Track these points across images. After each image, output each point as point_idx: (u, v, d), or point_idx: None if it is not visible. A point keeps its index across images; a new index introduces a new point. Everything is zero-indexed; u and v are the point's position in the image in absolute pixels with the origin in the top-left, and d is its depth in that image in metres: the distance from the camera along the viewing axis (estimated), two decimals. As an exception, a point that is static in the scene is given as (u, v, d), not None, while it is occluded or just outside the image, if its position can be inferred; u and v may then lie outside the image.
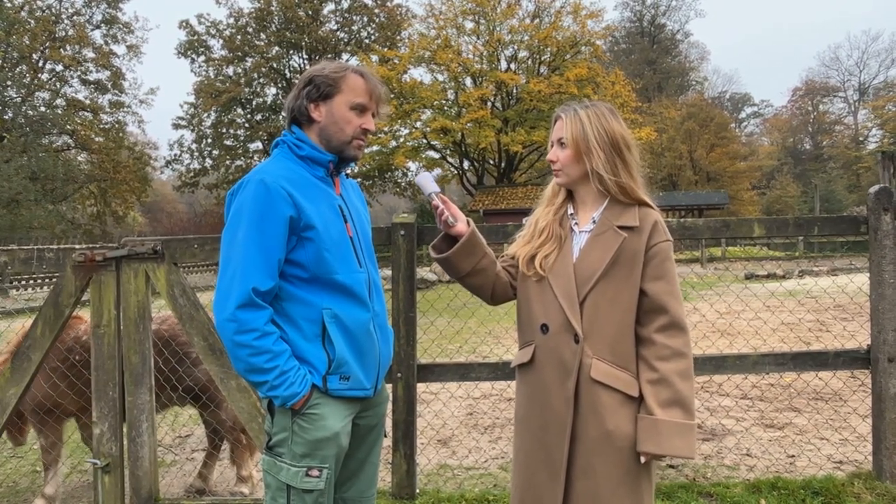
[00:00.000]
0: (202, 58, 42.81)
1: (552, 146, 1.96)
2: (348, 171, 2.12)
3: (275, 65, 41.98)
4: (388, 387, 3.24)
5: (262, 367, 1.78)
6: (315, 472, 1.84)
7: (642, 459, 1.79)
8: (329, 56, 41.58)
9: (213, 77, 42.22)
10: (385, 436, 2.17)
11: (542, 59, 36.42)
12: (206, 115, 42.27)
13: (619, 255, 1.83)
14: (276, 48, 41.88)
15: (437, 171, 38.46)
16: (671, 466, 3.96)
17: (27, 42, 33.10)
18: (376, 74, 2.05)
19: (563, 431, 1.82)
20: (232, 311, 1.78)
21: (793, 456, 4.17)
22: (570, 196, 2.00)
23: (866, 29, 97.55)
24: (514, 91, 35.53)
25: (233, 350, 1.80)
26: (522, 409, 1.96)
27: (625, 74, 38.40)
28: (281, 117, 42.24)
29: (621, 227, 1.85)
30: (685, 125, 47.39)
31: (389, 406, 3.39)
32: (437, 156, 37.99)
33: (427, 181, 2.00)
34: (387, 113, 2.10)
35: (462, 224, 1.96)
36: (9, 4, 32.30)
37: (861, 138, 56.58)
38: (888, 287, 3.32)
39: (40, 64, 35.04)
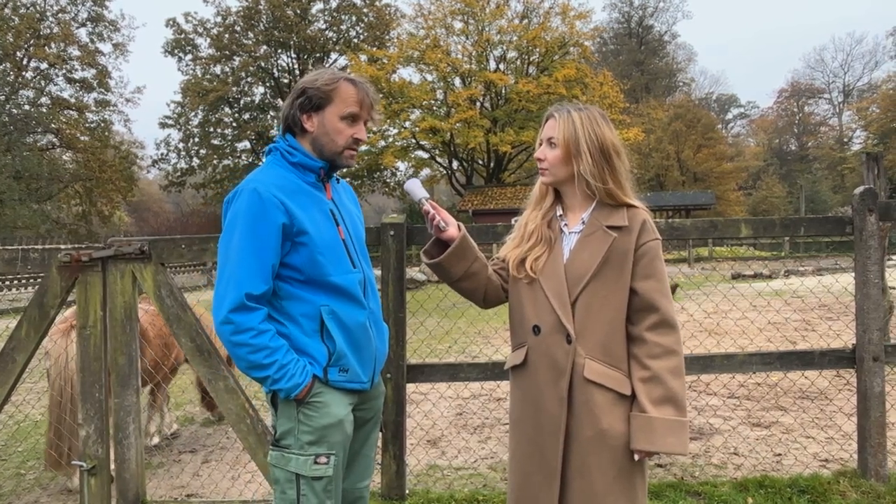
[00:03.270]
0: (189, 56, 42.49)
1: (541, 144, 1.95)
2: (339, 174, 2.15)
3: (263, 64, 41.76)
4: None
5: (261, 362, 1.85)
6: (323, 460, 1.90)
7: (636, 457, 1.80)
8: (317, 55, 41.45)
9: (200, 76, 41.90)
10: (382, 430, 2.22)
11: (531, 59, 36.50)
12: (193, 114, 41.96)
13: (609, 255, 1.84)
14: (265, 47, 41.64)
15: (426, 171, 38.46)
16: (659, 465, 3.98)
17: (11, 40, 32.64)
18: (366, 78, 2.08)
19: (557, 432, 1.83)
20: (226, 314, 1.85)
21: (779, 454, 4.21)
22: (559, 197, 2.00)
23: (850, 31, 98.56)
24: (503, 91, 35.57)
25: (232, 350, 1.87)
26: (517, 411, 1.96)
27: (613, 75, 38.57)
28: (269, 116, 42.01)
29: (610, 227, 1.86)
30: (672, 126, 47.67)
31: (379, 407, 3.39)
32: (426, 156, 37.98)
33: (416, 187, 2.03)
34: (380, 118, 2.16)
35: (453, 228, 1.97)
36: (-8, 1, 31.90)
37: (845, 139, 57.25)
38: (873, 287, 3.36)
39: (24, 62, 34.60)
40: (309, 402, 1.91)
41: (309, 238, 1.92)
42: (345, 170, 2.16)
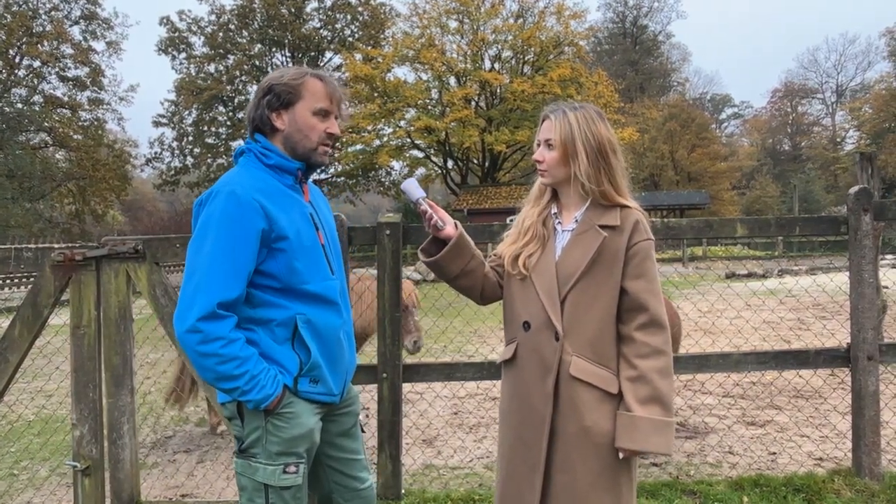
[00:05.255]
0: (183, 55, 42.32)
1: (538, 146, 1.97)
2: (321, 175, 2.10)
3: (257, 62, 41.63)
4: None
5: (231, 373, 1.77)
6: (292, 469, 1.86)
7: (620, 455, 1.81)
8: (312, 54, 41.36)
9: (194, 74, 41.75)
10: (363, 431, 2.21)
11: (526, 58, 36.49)
12: (187, 112, 41.81)
13: (599, 253, 1.85)
14: (259, 46, 41.52)
15: (421, 170, 38.40)
16: (654, 464, 3.98)
17: (3, 37, 32.43)
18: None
19: (542, 427, 1.85)
20: (193, 322, 1.75)
21: (774, 453, 4.22)
22: (555, 196, 2.02)
23: (843, 32, 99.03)
24: (498, 91, 35.56)
25: (198, 360, 1.78)
26: (505, 405, 2.00)
27: (607, 75, 38.62)
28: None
29: (602, 227, 1.87)
30: (667, 126, 47.75)
31: (374, 406, 3.38)
32: (421, 155, 37.92)
33: (413, 187, 2.02)
34: (349, 114, 2.10)
35: (450, 227, 1.99)
36: (-16, -1, 31.71)
37: (838, 139, 57.48)
38: (867, 286, 3.37)
39: (17, 60, 34.37)
40: (279, 412, 1.84)
41: (288, 244, 1.85)
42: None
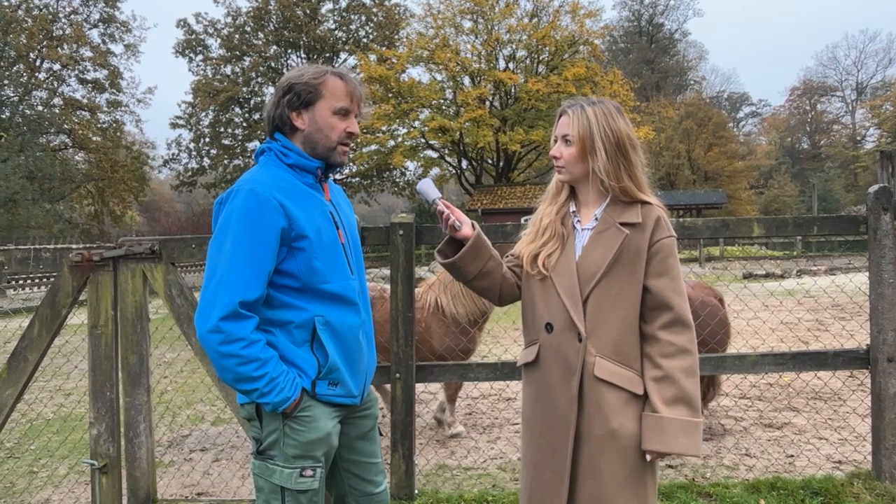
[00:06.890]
0: (200, 57, 42.74)
1: (556, 141, 1.93)
2: (337, 176, 2.10)
3: (273, 64, 41.93)
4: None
5: (251, 375, 1.76)
6: (309, 472, 1.84)
7: (647, 458, 1.78)
8: (327, 55, 41.55)
9: (210, 76, 42.15)
10: (381, 434, 2.19)
11: (541, 58, 36.37)
12: (203, 114, 42.19)
13: (621, 252, 1.81)
14: (274, 47, 41.83)
15: (436, 170, 38.42)
16: (670, 466, 3.95)
17: (24, 41, 32.98)
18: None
19: (567, 430, 1.81)
20: (215, 322, 1.74)
21: (792, 456, 4.17)
22: (573, 193, 1.98)
23: (864, 28, 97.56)
24: (513, 90, 35.48)
25: (218, 360, 1.77)
26: (528, 409, 1.95)
27: (623, 74, 38.37)
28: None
29: (623, 224, 1.83)
30: (683, 125, 47.39)
31: (388, 406, 3.38)
32: (435, 155, 37.93)
33: (428, 188, 2.00)
34: (368, 112, 2.08)
35: (467, 228, 1.95)
36: (6, 3, 32.24)
37: (858, 138, 56.69)
38: (887, 287, 3.32)
39: (37, 63, 34.94)
40: (297, 416, 1.83)
41: (308, 243, 1.84)
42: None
